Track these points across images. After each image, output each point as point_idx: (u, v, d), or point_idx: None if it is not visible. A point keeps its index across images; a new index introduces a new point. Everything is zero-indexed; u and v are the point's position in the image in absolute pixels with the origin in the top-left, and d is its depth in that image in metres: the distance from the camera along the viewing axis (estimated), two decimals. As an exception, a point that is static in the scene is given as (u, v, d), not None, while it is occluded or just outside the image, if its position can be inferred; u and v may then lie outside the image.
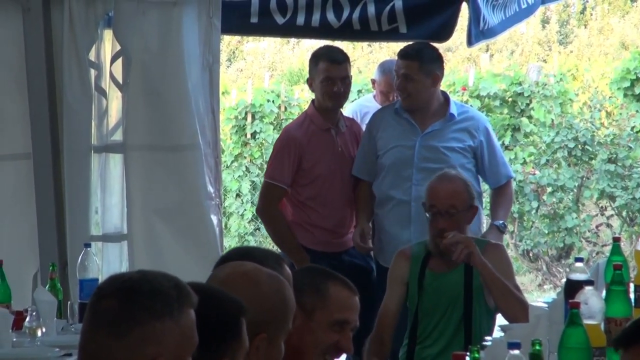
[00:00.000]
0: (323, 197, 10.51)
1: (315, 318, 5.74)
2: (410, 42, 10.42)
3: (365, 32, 11.04)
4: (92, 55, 10.55)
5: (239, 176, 18.63)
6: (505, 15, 11.54)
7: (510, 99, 20.08)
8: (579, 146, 20.18)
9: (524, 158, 19.93)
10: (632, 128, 20.68)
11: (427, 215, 8.56)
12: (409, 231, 9.79)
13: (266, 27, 11.03)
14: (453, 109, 10.15)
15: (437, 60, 9.81)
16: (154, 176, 10.41)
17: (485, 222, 11.37)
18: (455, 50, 32.15)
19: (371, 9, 10.57)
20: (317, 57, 10.69)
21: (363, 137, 10.56)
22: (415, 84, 9.54)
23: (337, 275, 6.34)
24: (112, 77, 10.56)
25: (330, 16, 10.72)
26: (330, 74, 10.34)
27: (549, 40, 39.68)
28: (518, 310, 8.16)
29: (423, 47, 10.07)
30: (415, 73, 9.38)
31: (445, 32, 10.97)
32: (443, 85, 17.98)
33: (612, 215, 21.24)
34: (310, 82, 10.91)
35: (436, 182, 8.91)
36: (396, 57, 10.34)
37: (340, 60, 10.49)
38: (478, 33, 10.97)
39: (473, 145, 10.06)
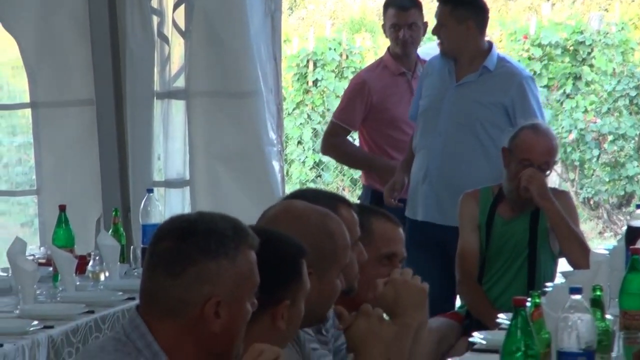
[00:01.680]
0: (396, 141, 10.48)
1: (367, 255, 5.70)
2: None
3: None
4: (154, 2, 10.60)
5: (300, 124, 18.65)
6: None
7: (571, 48, 19.90)
8: (641, 94, 19.67)
9: (585, 106, 19.70)
10: (692, 74, 20.04)
11: (511, 164, 8.48)
12: (426, 184, 9.77)
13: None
14: (489, 63, 9.83)
15: (473, 7, 9.46)
16: (216, 122, 10.52)
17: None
18: (516, -1, 32.17)
19: None
20: (386, 4, 10.63)
21: (418, 84, 10.38)
22: (446, 30, 9.39)
23: (378, 209, 6.46)
24: (174, 23, 10.62)
25: None
26: (396, 21, 10.33)
27: (611, -11, 39.27)
28: (580, 255, 8.17)
29: None
30: (446, 18, 9.26)
31: None
32: (504, 34, 17.76)
33: (673, 162, 20.41)
34: (384, 28, 10.75)
35: (532, 135, 8.85)
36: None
37: (406, 6, 10.37)
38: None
39: (504, 101, 9.83)
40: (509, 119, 9.50)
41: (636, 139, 20.04)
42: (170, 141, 10.74)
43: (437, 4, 10.24)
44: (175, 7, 10.54)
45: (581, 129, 19.47)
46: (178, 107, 10.66)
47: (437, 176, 9.50)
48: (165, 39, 10.66)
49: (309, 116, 18.91)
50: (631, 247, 5.28)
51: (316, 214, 5.52)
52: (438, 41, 10.08)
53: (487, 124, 9.65)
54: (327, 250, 4.95)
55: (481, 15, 9.88)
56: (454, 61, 9.74)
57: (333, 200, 5.74)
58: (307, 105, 18.85)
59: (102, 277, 8.24)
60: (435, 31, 9.43)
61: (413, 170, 9.79)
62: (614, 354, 5.56)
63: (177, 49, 10.68)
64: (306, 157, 18.29)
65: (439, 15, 9.46)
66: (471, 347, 6.90)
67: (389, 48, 10.62)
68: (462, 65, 9.84)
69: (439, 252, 9.55)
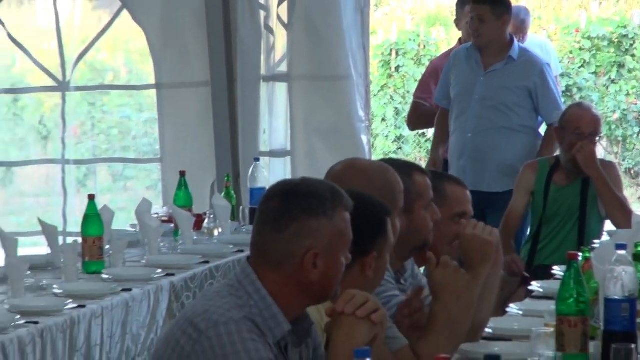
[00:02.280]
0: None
1: (441, 215, 5.69)
2: None
3: None
4: None
5: (384, 103, 18.64)
6: None
7: (616, 40, 19.67)
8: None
9: (627, 90, 19.38)
10: None
11: (565, 138, 8.54)
12: (463, 159, 9.79)
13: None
14: (513, 53, 10.00)
15: (507, 4, 9.63)
16: (313, 102, 10.49)
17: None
18: (569, -1, 32.33)
19: None
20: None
21: (443, 71, 10.37)
22: (485, 25, 9.41)
23: (449, 175, 6.73)
24: (278, 17, 10.60)
25: None
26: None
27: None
28: (623, 217, 8.25)
29: None
30: (487, 15, 9.24)
31: None
32: (558, 29, 17.81)
33: None
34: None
35: (579, 110, 9.03)
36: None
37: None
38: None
39: (528, 85, 9.94)
40: (532, 100, 9.73)
41: (671, 117, 19.69)
42: (274, 118, 10.75)
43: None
44: (280, 3, 10.52)
45: (624, 110, 19.20)
46: (281, 89, 10.62)
47: (472, 151, 9.68)
48: (270, 31, 10.60)
49: (391, 97, 18.83)
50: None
51: (374, 167, 5.69)
52: (472, 35, 10.09)
53: (513, 106, 9.78)
54: (388, 197, 4.94)
55: (510, 10, 10.03)
56: (479, 52, 9.88)
57: (409, 168, 5.71)
58: (390, 88, 18.75)
59: (215, 233, 8.36)
60: (474, 26, 9.44)
61: (450, 150, 9.91)
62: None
63: (280, 39, 10.63)
64: (389, 132, 18.35)
65: (478, 11, 9.45)
66: (530, 294, 6.86)
67: (460, 39, 10.57)
68: (489, 55, 9.96)
69: (475, 215, 8.96)
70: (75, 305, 6.36)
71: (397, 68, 18.91)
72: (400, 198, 5.31)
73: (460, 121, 9.91)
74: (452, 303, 5.19)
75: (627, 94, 19.44)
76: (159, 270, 7.28)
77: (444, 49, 15.50)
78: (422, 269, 5.96)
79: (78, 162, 11.52)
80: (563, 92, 15.90)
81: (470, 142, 9.81)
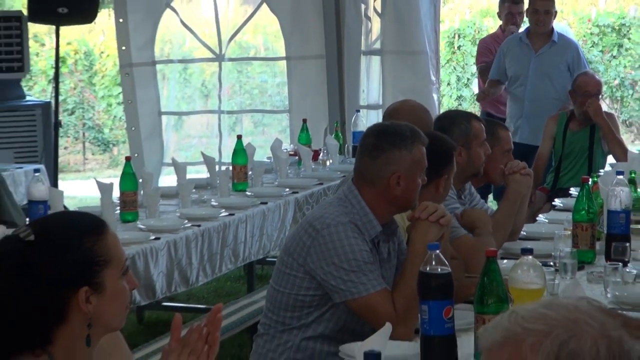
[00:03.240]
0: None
1: (494, 151, 5.81)
2: None
3: None
4: None
5: (449, 72, 18.81)
6: None
7: (617, 27, 19.75)
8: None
9: (624, 64, 19.45)
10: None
11: (577, 98, 8.66)
12: (521, 120, 9.70)
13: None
14: (554, 37, 9.84)
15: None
16: (399, 70, 10.57)
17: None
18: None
19: None
20: (503, 0, 10.34)
21: (497, 55, 10.12)
22: (551, 16, 9.34)
23: (498, 122, 6.84)
24: (374, 9, 10.72)
25: None
26: (511, 10, 10.11)
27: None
28: (621, 153, 8.37)
29: None
30: (552, 7, 9.16)
31: None
32: (575, 19, 17.86)
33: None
34: (499, 14, 10.48)
35: (585, 77, 9.00)
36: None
37: (517, 0, 10.13)
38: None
39: (568, 60, 9.85)
40: (570, 72, 9.55)
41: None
42: (370, 81, 10.86)
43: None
44: None
45: (622, 77, 19.36)
46: (376, 60, 10.75)
47: (528, 115, 9.57)
48: (368, 18, 10.69)
49: (454, 68, 18.99)
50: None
51: (421, 107, 6.26)
52: (536, 25, 9.77)
53: (557, 77, 9.70)
54: (421, 125, 5.03)
55: None
56: (529, 39, 9.70)
57: (469, 116, 6.04)
58: (453, 61, 18.87)
59: (327, 163, 8.55)
60: (540, 18, 9.21)
61: (510, 113, 9.80)
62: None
63: (376, 24, 10.68)
64: (452, 93, 18.53)
65: (546, 7, 9.30)
66: (553, 208, 7.17)
67: (500, 26, 10.44)
68: (537, 40, 9.79)
69: (523, 159, 9.05)
70: (226, 213, 6.83)
71: (459, 47, 18.92)
72: (431, 125, 5.75)
73: (518, 92, 9.78)
74: (508, 209, 5.76)
75: (625, 67, 19.67)
76: (287, 190, 7.62)
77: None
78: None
79: (229, 113, 11.82)
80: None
81: (527, 108, 9.67)
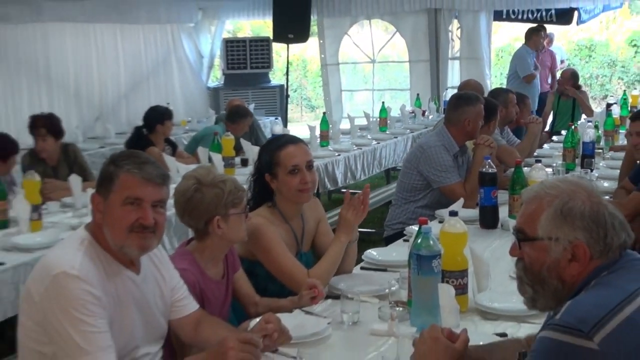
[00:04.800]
0: None
1: (521, 109, 6.51)
2: None
3: None
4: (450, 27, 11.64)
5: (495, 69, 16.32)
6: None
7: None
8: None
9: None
10: None
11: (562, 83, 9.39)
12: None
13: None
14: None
15: None
16: (468, 67, 11.55)
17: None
18: None
19: None
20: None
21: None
22: None
23: (525, 94, 7.13)
24: (456, 32, 11.85)
25: None
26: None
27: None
28: (589, 112, 9.23)
29: None
30: None
31: None
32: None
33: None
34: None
35: (566, 71, 9.77)
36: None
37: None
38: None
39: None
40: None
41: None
42: (453, 73, 11.84)
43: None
44: (457, 27, 11.66)
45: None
46: (456, 62, 11.94)
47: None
48: (452, 38, 11.79)
49: (501, 73, 16.79)
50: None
51: (478, 82, 6.92)
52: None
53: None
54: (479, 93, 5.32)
55: None
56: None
57: (507, 90, 6.65)
58: (499, 66, 17.37)
59: (430, 117, 9.62)
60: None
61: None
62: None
63: (456, 41, 11.86)
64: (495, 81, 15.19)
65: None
66: (552, 141, 7.71)
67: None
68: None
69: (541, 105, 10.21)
70: (376, 143, 7.91)
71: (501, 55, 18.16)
72: (484, 93, 6.25)
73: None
74: (525, 144, 5.99)
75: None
76: (408, 130, 8.72)
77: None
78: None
79: (378, 90, 12.89)
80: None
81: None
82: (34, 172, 4.81)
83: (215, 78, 12.87)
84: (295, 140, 3.48)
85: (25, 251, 4.18)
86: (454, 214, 3.07)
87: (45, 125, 6.12)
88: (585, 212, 2.01)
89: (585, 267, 2.00)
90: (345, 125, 9.38)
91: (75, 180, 5.26)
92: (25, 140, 7.86)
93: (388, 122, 8.82)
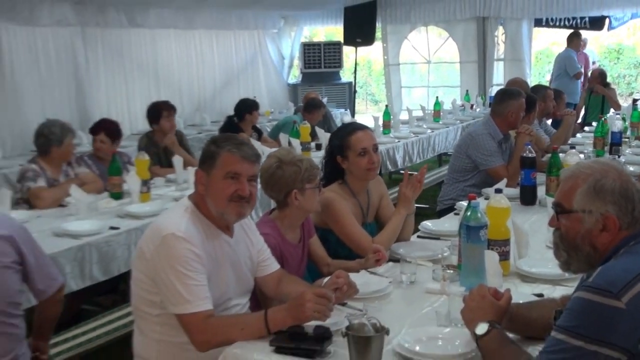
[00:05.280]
0: None
1: (558, 104, 6.70)
2: None
3: None
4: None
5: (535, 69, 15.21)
6: None
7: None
8: None
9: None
10: None
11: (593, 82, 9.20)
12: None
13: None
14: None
15: None
16: (511, 68, 11.23)
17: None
18: None
19: None
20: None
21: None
22: None
23: (561, 91, 7.23)
24: (500, 37, 11.64)
25: None
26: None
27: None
28: (617, 106, 8.99)
29: None
30: None
31: None
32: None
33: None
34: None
35: (595, 70, 9.54)
36: None
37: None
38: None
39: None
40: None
41: None
42: (497, 73, 11.63)
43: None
44: (501, 33, 11.46)
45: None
46: (500, 63, 11.75)
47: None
48: (497, 42, 11.62)
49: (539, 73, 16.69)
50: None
51: (522, 80, 6.89)
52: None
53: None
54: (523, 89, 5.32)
55: None
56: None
57: (545, 87, 6.74)
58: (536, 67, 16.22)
59: (477, 110, 9.63)
60: None
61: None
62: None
63: (501, 44, 11.67)
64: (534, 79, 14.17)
65: None
66: (584, 131, 7.47)
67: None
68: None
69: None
70: (431, 131, 8.01)
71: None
72: (527, 89, 6.09)
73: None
74: (560, 134, 5.80)
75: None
76: (458, 121, 8.69)
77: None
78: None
79: (432, 87, 12.45)
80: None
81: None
82: (144, 152, 4.91)
83: (294, 76, 12.72)
84: (362, 127, 3.52)
85: (136, 218, 4.25)
86: (499, 191, 3.06)
87: (170, 107, 6.24)
88: (616, 188, 1.99)
89: (615, 236, 1.98)
90: (404, 116, 9.37)
91: (177, 160, 5.32)
92: (136, 126, 8.44)
93: (441, 114, 8.87)
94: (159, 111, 6.09)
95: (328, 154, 3.57)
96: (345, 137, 3.45)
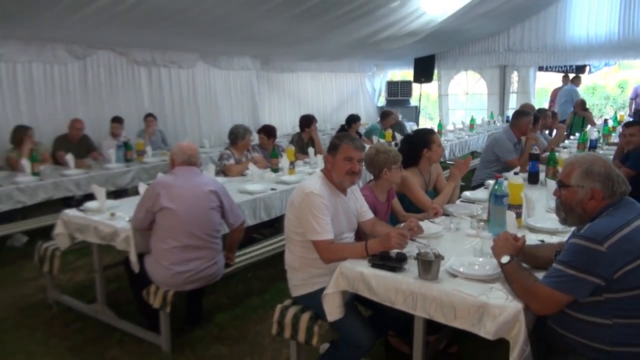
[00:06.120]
0: None
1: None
2: None
3: None
4: None
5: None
6: None
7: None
8: None
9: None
10: None
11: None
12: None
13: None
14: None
15: None
16: (520, 100, 10.15)
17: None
18: None
19: None
20: None
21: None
22: None
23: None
24: (515, 78, 10.63)
25: None
26: None
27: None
28: (593, 123, 8.04)
29: None
30: None
31: None
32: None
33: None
34: None
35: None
36: None
37: None
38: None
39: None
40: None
41: None
42: (511, 100, 10.65)
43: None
44: None
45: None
46: (513, 96, 10.54)
47: None
48: (511, 82, 10.63)
49: None
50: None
51: (530, 104, 6.30)
52: None
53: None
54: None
55: None
56: None
57: (546, 110, 6.23)
58: None
59: (497, 124, 9.02)
60: None
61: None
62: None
63: (515, 79, 10.54)
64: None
65: None
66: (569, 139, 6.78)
67: None
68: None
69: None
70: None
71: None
72: (534, 110, 5.61)
73: None
74: (555, 141, 5.13)
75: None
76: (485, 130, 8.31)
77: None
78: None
79: (469, 110, 11.30)
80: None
81: None
82: (292, 145, 4.97)
83: (381, 101, 11.83)
84: (435, 132, 3.45)
85: (286, 184, 4.19)
86: (516, 174, 3.09)
87: (315, 120, 6.02)
88: (602, 171, 1.91)
89: (599, 203, 1.90)
90: (449, 127, 8.74)
91: (311, 150, 5.37)
92: (285, 130, 8.43)
93: (474, 126, 8.46)
94: (310, 121, 5.93)
95: (411, 146, 3.37)
96: (429, 136, 3.34)
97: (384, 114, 7.45)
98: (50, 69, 5.62)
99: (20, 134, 4.94)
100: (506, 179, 3.69)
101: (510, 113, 9.67)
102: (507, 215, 2.54)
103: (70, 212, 3.20)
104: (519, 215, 2.75)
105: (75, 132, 5.47)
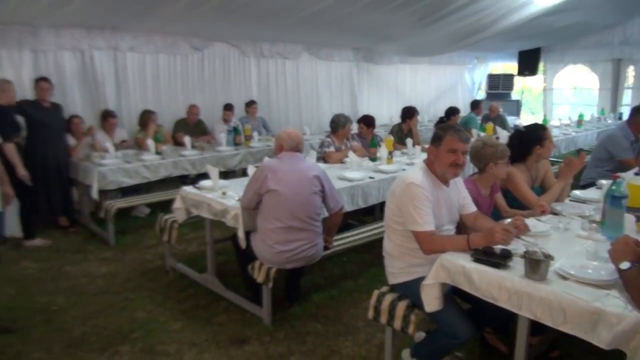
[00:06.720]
0: None
1: None
2: None
3: None
4: None
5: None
6: None
7: None
8: None
9: None
10: None
11: None
12: None
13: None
14: None
15: None
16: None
17: None
18: None
19: None
20: None
21: None
22: None
23: None
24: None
25: None
26: None
27: None
28: None
29: None
30: None
31: None
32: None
33: None
34: None
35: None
36: None
37: None
38: None
39: None
40: None
41: None
42: (626, 99, 9.64)
43: None
44: None
45: None
46: (628, 91, 9.77)
47: None
48: (626, 76, 9.79)
49: None
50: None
51: None
52: None
53: None
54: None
55: None
56: None
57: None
58: None
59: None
60: None
61: None
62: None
63: (630, 79, 9.77)
64: None
65: None
66: None
67: None
68: None
69: None
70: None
71: None
72: None
73: None
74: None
75: None
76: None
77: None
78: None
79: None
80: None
81: None
82: (390, 135, 4.83)
83: (481, 95, 11.32)
84: (547, 128, 3.23)
85: (384, 173, 4.15)
86: (637, 174, 2.85)
87: (417, 112, 5.80)
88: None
89: None
90: (555, 122, 8.21)
91: (409, 141, 5.16)
92: (382, 120, 8.26)
93: (582, 122, 7.89)
94: (412, 112, 5.76)
95: (522, 142, 3.16)
96: (542, 132, 3.13)
97: (474, 103, 7.34)
98: (174, 60, 5.90)
99: (146, 118, 5.27)
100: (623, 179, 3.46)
101: (623, 110, 9.12)
102: (626, 219, 2.38)
103: (188, 189, 3.35)
104: (638, 219, 2.53)
105: (192, 117, 5.76)
